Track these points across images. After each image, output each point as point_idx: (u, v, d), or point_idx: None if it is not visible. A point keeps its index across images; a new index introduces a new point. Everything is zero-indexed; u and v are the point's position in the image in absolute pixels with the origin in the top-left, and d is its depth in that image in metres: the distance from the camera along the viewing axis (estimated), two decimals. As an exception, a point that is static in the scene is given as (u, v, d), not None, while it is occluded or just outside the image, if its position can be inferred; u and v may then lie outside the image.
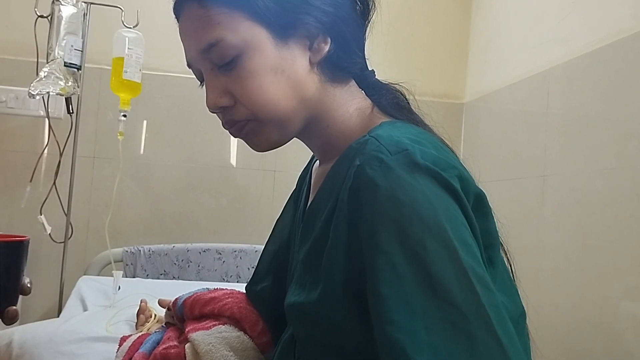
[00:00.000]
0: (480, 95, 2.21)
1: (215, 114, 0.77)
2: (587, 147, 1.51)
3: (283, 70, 0.71)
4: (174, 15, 0.76)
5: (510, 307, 0.68)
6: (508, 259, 0.77)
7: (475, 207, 0.64)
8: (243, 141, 0.78)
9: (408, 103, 0.82)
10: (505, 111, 1.99)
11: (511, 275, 0.75)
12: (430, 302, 0.55)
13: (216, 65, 0.72)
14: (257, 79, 0.70)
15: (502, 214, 0.74)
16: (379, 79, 0.83)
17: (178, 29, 0.76)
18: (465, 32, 2.37)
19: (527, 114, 1.83)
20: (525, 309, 0.73)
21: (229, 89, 0.72)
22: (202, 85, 0.77)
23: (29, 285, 0.72)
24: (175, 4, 0.75)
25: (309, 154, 0.95)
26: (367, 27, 0.80)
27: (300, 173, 0.98)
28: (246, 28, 0.70)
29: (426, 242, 0.56)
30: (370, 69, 0.83)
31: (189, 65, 0.77)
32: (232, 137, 2.29)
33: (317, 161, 0.89)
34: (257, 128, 0.74)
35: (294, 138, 0.80)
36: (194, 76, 0.78)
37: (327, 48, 0.74)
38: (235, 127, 0.76)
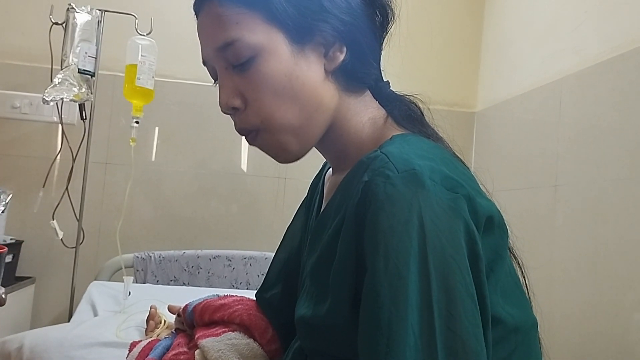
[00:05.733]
0: (492, 104, 2.21)
1: (228, 119, 0.77)
2: (599, 157, 1.50)
3: (297, 77, 0.71)
4: (193, 13, 0.77)
5: (520, 318, 0.68)
6: (522, 271, 0.77)
7: (484, 225, 0.63)
8: (255, 147, 0.78)
9: (422, 115, 0.82)
10: (517, 120, 1.98)
11: (524, 286, 0.75)
12: (397, 323, 0.55)
13: (231, 64, 0.72)
14: (270, 84, 0.70)
15: (514, 224, 0.74)
16: (393, 90, 0.83)
17: (196, 26, 0.76)
18: (478, 41, 2.37)
19: (539, 124, 1.82)
20: (537, 319, 0.73)
21: (241, 90, 0.72)
22: (216, 84, 0.77)
23: (3, 296, 0.70)
24: (195, 1, 0.76)
25: (319, 162, 0.95)
26: (384, 38, 0.80)
27: (311, 180, 0.98)
28: (263, 30, 0.70)
29: (410, 264, 0.56)
30: (385, 79, 0.83)
31: (204, 63, 0.77)
32: (243, 144, 2.30)
33: (330, 169, 0.89)
34: (269, 138, 0.74)
35: None
36: (206, 80, 0.78)
37: (342, 57, 0.74)
38: (249, 136, 0.75)
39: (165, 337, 1.03)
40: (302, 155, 0.77)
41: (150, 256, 1.90)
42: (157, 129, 2.15)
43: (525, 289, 0.75)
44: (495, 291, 0.64)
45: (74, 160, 1.92)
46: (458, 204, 0.60)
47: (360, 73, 0.77)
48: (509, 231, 0.69)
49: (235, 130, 0.77)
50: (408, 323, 0.55)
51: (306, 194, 0.98)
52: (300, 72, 0.71)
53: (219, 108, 0.75)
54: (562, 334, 1.56)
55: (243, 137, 0.77)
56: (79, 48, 1.75)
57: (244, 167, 2.20)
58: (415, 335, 0.54)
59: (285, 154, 0.76)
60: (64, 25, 1.77)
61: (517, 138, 1.97)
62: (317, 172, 0.97)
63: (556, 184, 1.68)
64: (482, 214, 0.62)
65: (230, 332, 0.91)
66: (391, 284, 0.56)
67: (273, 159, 0.78)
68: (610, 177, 1.45)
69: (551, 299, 1.62)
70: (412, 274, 0.56)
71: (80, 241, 1.89)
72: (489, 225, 0.64)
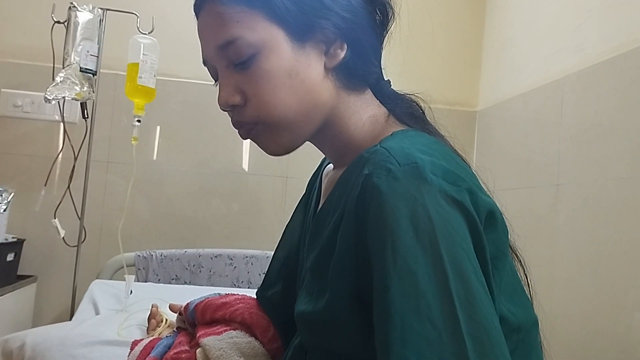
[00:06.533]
0: (493, 103, 2.20)
1: (226, 117, 0.77)
2: (601, 156, 1.50)
3: (297, 73, 0.71)
4: (193, 14, 0.77)
5: (521, 317, 0.68)
6: (523, 269, 0.76)
7: (485, 220, 0.63)
8: (256, 146, 0.78)
9: (423, 113, 0.82)
10: (518, 119, 1.98)
11: (526, 285, 0.74)
12: (410, 316, 0.54)
13: (232, 63, 0.72)
14: (271, 80, 0.71)
15: (515, 223, 0.74)
16: (394, 89, 0.83)
17: (197, 26, 0.76)
18: (479, 40, 2.37)
19: (541, 123, 1.82)
20: (538, 318, 0.73)
21: (241, 88, 0.73)
22: (216, 84, 0.77)
23: None
24: (196, 1, 0.76)
25: (320, 159, 0.95)
26: (384, 37, 0.80)
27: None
28: (264, 28, 0.70)
29: (418, 257, 0.56)
30: (386, 78, 0.83)
31: (204, 63, 0.77)
32: (244, 143, 2.29)
33: (328, 166, 0.89)
34: (265, 131, 0.74)
35: (307, 143, 0.80)
36: (208, 79, 0.78)
37: (343, 54, 0.74)
38: (243, 129, 0.76)
39: (166, 336, 1.03)
40: (292, 150, 0.77)
41: (152, 255, 1.90)
42: (158, 127, 2.15)
43: (526, 286, 0.75)
44: (498, 289, 0.64)
45: (75, 159, 1.92)
46: (461, 196, 0.60)
47: (360, 71, 0.77)
48: (509, 230, 0.69)
49: (233, 125, 0.78)
50: (423, 316, 0.54)
51: (304, 192, 0.98)
52: (301, 69, 0.72)
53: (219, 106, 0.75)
54: (564, 333, 1.56)
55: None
56: (80, 47, 1.75)
57: (245, 166, 2.20)
58: (437, 327, 0.54)
59: (276, 147, 0.76)
60: (65, 23, 1.77)
61: (518, 137, 1.97)
62: (315, 169, 0.97)
63: (558, 183, 1.68)
64: (483, 208, 0.62)
65: (231, 331, 0.91)
66: (401, 278, 0.56)
67: (264, 151, 0.78)
68: (611, 176, 1.45)
69: (552, 297, 1.62)
70: (423, 267, 0.56)
71: (82, 240, 1.89)
72: (491, 220, 0.64)
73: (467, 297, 0.55)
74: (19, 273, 1.93)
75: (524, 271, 0.76)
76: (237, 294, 1.01)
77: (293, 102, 0.72)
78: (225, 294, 1.02)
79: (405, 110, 0.79)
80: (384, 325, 0.56)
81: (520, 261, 0.77)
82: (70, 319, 1.66)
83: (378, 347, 0.57)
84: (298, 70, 0.71)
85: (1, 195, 1.76)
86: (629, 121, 1.41)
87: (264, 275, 1.01)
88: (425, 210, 0.57)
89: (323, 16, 0.72)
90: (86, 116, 1.88)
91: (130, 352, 1.00)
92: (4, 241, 1.80)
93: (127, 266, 1.80)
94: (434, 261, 0.56)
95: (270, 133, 0.74)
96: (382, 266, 0.57)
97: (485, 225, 0.63)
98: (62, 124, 1.96)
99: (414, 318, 0.54)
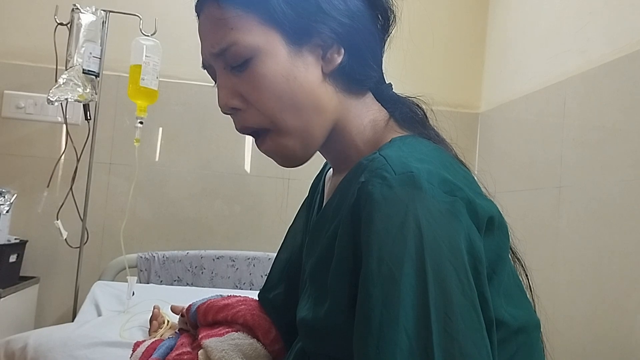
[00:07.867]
0: (496, 105, 2.20)
1: (228, 119, 0.77)
2: (603, 158, 1.50)
3: (295, 77, 0.71)
4: (194, 14, 0.77)
5: (522, 319, 0.68)
6: (525, 271, 0.76)
7: (485, 227, 0.63)
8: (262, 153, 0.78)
9: (424, 116, 0.82)
10: (521, 121, 1.98)
11: (527, 287, 0.74)
12: (388, 324, 0.55)
13: (229, 65, 0.73)
14: (267, 84, 0.71)
15: (518, 225, 0.74)
16: (396, 92, 0.83)
17: (197, 26, 0.76)
18: (482, 41, 2.37)
19: (544, 125, 1.82)
20: (540, 320, 0.73)
21: (239, 91, 0.73)
22: (216, 86, 0.77)
23: None
24: (197, 2, 0.76)
25: (322, 162, 0.95)
26: (386, 41, 0.80)
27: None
28: (260, 32, 0.70)
29: (403, 266, 0.56)
30: (387, 82, 0.83)
31: (203, 66, 0.78)
32: (246, 144, 2.30)
33: (331, 169, 0.89)
34: (277, 140, 0.74)
35: None
36: (210, 80, 0.79)
37: (340, 59, 0.74)
38: (258, 139, 0.76)
39: (168, 337, 1.03)
40: (306, 160, 0.77)
41: (154, 256, 1.90)
42: (160, 129, 2.15)
43: (528, 289, 0.74)
44: (498, 293, 0.64)
45: (78, 160, 1.92)
46: (456, 208, 0.60)
47: (359, 75, 0.76)
48: (510, 232, 0.69)
49: (237, 131, 0.78)
50: (400, 325, 0.54)
51: (307, 194, 0.98)
52: (298, 73, 0.72)
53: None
54: (566, 336, 1.55)
55: (247, 138, 0.78)
56: (83, 48, 1.76)
57: (247, 168, 2.20)
58: (410, 337, 0.54)
59: (289, 158, 0.77)
60: (68, 25, 1.78)
61: (521, 139, 1.97)
62: (318, 172, 0.97)
63: (560, 186, 1.67)
64: (482, 216, 0.62)
65: (233, 332, 0.91)
66: (384, 286, 0.56)
67: (280, 164, 0.78)
68: (614, 179, 1.45)
69: (555, 300, 1.62)
70: (406, 276, 0.56)
71: (84, 241, 1.90)
72: (489, 226, 0.64)
73: (445, 310, 0.55)
74: (21, 274, 1.94)
75: (525, 274, 0.76)
76: (239, 296, 1.01)
77: (294, 108, 0.72)
78: (228, 296, 1.02)
79: (406, 114, 0.79)
80: (362, 330, 0.56)
81: (521, 264, 0.77)
82: (73, 320, 1.66)
83: (355, 349, 0.57)
84: (295, 74, 0.71)
85: (4, 197, 1.76)
86: (632, 123, 1.41)
87: (266, 277, 1.02)
88: (416, 219, 0.57)
89: (320, 21, 0.72)
90: (89, 118, 1.88)
91: (132, 353, 1.00)
92: (7, 242, 1.80)
93: (129, 267, 1.80)
94: (417, 272, 0.56)
95: (281, 143, 0.74)
96: (366, 273, 0.58)
97: (485, 231, 0.62)
98: (64, 125, 1.96)
99: (392, 327, 0.55)
